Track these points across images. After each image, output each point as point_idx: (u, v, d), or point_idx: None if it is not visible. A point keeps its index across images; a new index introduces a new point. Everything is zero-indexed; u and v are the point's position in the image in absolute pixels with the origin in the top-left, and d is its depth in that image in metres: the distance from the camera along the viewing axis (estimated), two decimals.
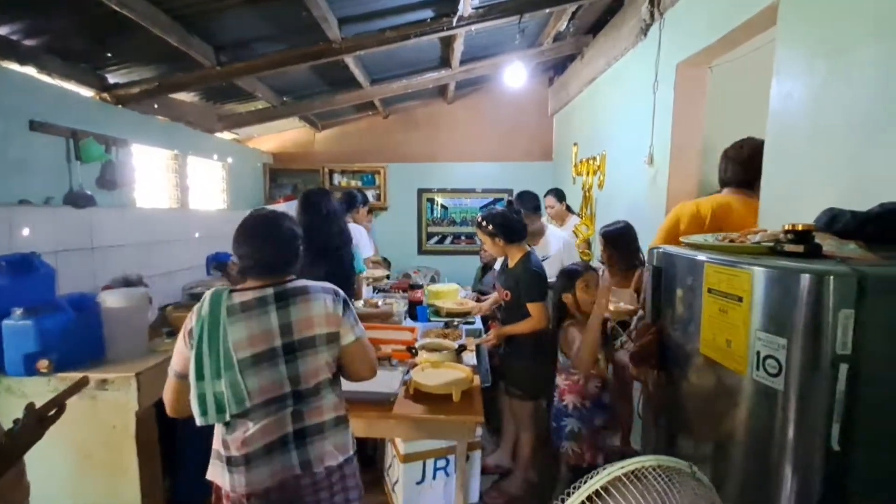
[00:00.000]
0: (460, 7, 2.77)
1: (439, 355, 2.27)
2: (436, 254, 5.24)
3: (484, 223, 2.32)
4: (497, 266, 2.98)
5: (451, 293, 3.34)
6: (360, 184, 5.06)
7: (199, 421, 1.20)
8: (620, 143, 3.15)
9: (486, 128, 5.13)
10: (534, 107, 5.10)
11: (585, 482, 0.65)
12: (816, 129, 1.38)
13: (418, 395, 2.01)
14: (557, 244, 2.91)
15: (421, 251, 5.26)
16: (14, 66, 2.23)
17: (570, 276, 1.99)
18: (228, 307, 1.24)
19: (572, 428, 1.93)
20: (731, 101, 2.51)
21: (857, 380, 0.71)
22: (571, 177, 4.25)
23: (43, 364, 1.77)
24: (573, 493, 0.64)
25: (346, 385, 1.65)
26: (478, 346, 2.40)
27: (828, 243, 0.94)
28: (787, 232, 0.97)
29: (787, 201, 1.49)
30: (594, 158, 3.61)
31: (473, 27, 2.97)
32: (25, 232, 2.07)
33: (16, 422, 1.02)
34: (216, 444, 1.29)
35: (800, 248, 0.93)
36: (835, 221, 1.03)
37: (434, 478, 2.37)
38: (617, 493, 0.67)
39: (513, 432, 2.58)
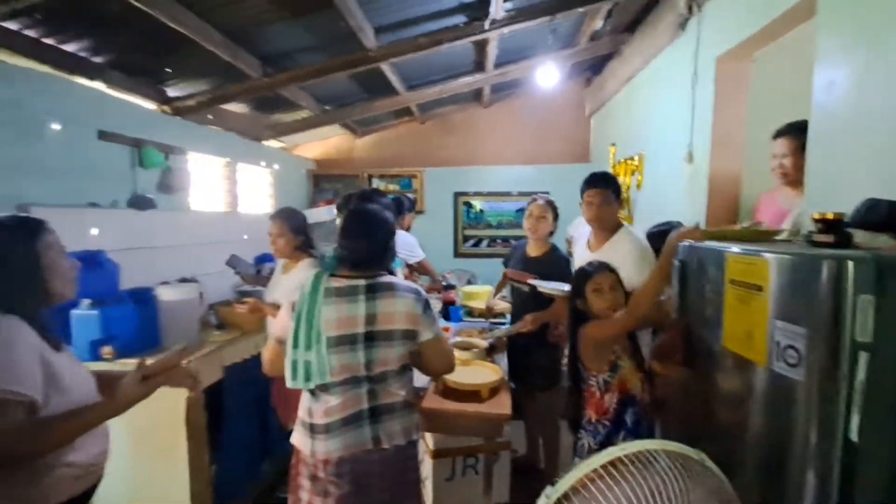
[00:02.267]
0: (492, 10, 2.81)
1: (469, 353, 2.30)
2: (472, 257, 5.27)
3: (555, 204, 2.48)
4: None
5: (485, 295, 3.36)
6: (397, 188, 5.18)
7: (289, 384, 1.36)
8: (659, 142, 3.07)
9: (522, 130, 5.12)
10: (570, 108, 5.04)
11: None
12: (860, 116, 1.31)
13: (447, 391, 2.04)
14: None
15: (457, 254, 5.30)
16: (84, 81, 2.48)
17: (579, 278, 1.73)
18: (325, 289, 1.38)
19: (585, 443, 1.70)
20: (773, 93, 2.39)
21: (878, 369, 0.67)
22: None
23: (106, 350, 1.96)
24: (567, 473, 0.65)
25: None
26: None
27: (860, 235, 0.90)
28: (816, 221, 0.93)
29: (832, 191, 1.42)
30: (632, 159, 3.52)
31: (506, 30, 3.00)
32: (94, 231, 2.30)
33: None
34: (301, 412, 1.44)
35: (830, 238, 0.89)
36: (871, 212, 0.98)
37: (463, 475, 2.39)
38: (622, 480, 0.67)
39: (539, 430, 2.56)
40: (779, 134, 1.80)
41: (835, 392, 0.72)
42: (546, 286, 2.22)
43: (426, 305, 1.47)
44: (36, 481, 1.03)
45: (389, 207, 2.53)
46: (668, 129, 2.86)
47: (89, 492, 1.18)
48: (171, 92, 3.08)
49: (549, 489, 0.65)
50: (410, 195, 5.07)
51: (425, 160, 5.21)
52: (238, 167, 3.83)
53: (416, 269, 3.52)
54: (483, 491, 2.12)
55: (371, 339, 1.38)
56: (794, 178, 1.73)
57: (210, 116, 3.46)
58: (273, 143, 4.64)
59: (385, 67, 3.29)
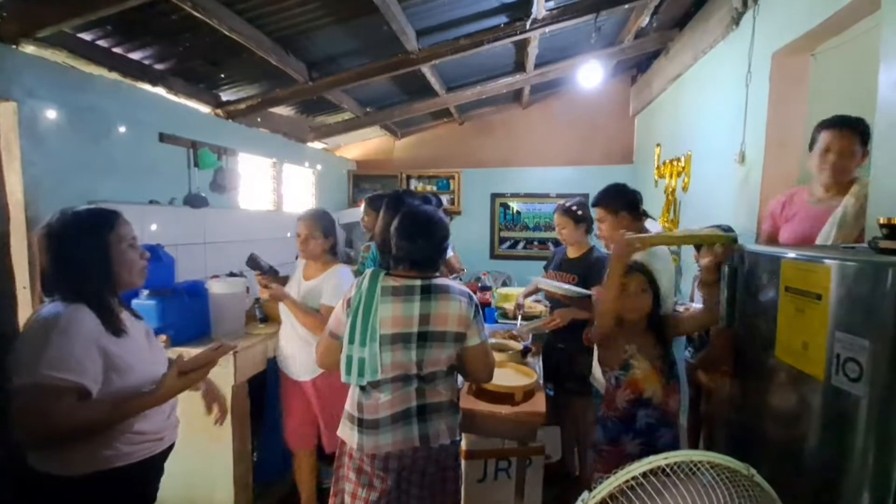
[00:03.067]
0: (534, 10, 2.79)
1: (503, 355, 2.28)
2: (508, 258, 5.23)
3: (574, 208, 2.41)
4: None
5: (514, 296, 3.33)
6: (435, 188, 5.22)
7: (343, 378, 1.40)
8: (708, 142, 2.94)
9: (563, 131, 5.04)
10: (614, 108, 4.91)
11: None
12: None
13: (480, 392, 2.04)
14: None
15: (493, 255, 5.27)
16: (148, 87, 2.65)
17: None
18: (382, 287, 1.40)
19: (595, 437, 1.75)
20: (835, 91, 2.24)
21: None
22: (653, 180, 4.02)
23: (162, 339, 2.08)
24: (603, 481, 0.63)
25: None
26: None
27: None
28: (883, 226, 0.87)
29: None
30: (678, 159, 3.39)
31: (547, 29, 2.97)
32: (153, 227, 2.45)
33: None
34: (349, 406, 1.48)
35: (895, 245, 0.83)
36: None
37: (496, 478, 2.38)
38: (664, 490, 0.65)
39: (575, 436, 2.51)
40: (833, 125, 1.62)
41: None
42: (559, 287, 2.22)
43: (477, 310, 1.48)
44: (112, 444, 1.15)
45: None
46: (719, 128, 2.73)
47: (160, 455, 1.31)
48: (225, 96, 3.24)
49: (585, 494, 0.64)
50: (446, 196, 5.11)
51: (463, 161, 5.22)
52: (284, 167, 3.98)
53: (448, 268, 3.53)
54: (515, 495, 2.10)
55: (424, 339, 1.39)
56: (846, 177, 1.61)
57: (259, 119, 3.61)
58: (316, 145, 4.79)
59: (425, 69, 3.33)
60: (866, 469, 0.72)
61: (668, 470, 0.63)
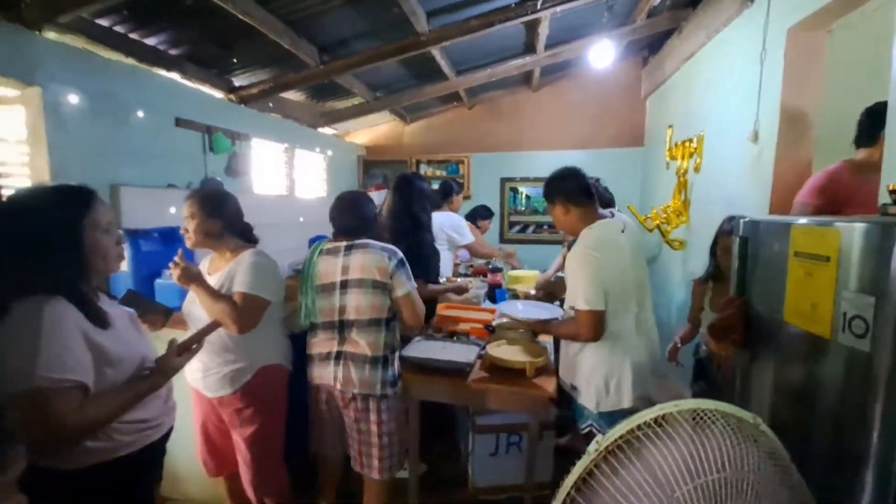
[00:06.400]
0: None
1: (515, 334, 2.32)
2: (518, 242, 5.25)
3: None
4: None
5: (531, 279, 3.36)
6: (444, 173, 5.23)
7: (301, 322, 1.82)
8: (721, 122, 2.92)
9: (573, 114, 5.00)
10: (624, 90, 4.86)
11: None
12: None
13: (493, 368, 2.08)
14: None
15: (503, 240, 5.30)
16: (162, 72, 2.69)
17: (715, 237, 2.03)
18: (320, 251, 1.82)
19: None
20: (852, 67, 2.21)
21: None
22: (665, 162, 4.00)
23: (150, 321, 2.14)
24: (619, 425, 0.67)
25: (425, 353, 1.87)
26: None
27: None
28: (892, 192, 0.89)
29: None
30: (690, 140, 3.37)
31: (559, 8, 2.94)
32: (172, 210, 2.51)
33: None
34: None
35: None
36: None
37: (507, 452, 2.44)
38: (676, 436, 0.68)
39: None
40: None
41: None
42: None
43: (401, 263, 1.80)
44: (111, 436, 1.14)
45: (423, 187, 2.61)
46: (732, 107, 2.71)
47: (160, 441, 1.30)
48: (237, 81, 3.28)
49: (599, 437, 0.68)
50: (458, 180, 5.13)
51: (472, 146, 5.22)
52: (295, 153, 4.02)
53: (472, 252, 3.57)
54: (525, 468, 2.16)
55: (345, 286, 1.75)
56: None
57: (271, 104, 3.65)
58: (327, 130, 4.81)
59: (435, 52, 3.33)
60: (873, 422, 0.75)
61: (679, 417, 0.67)
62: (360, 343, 1.77)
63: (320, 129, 4.58)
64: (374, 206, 1.94)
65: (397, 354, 1.89)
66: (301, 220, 3.82)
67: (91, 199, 1.16)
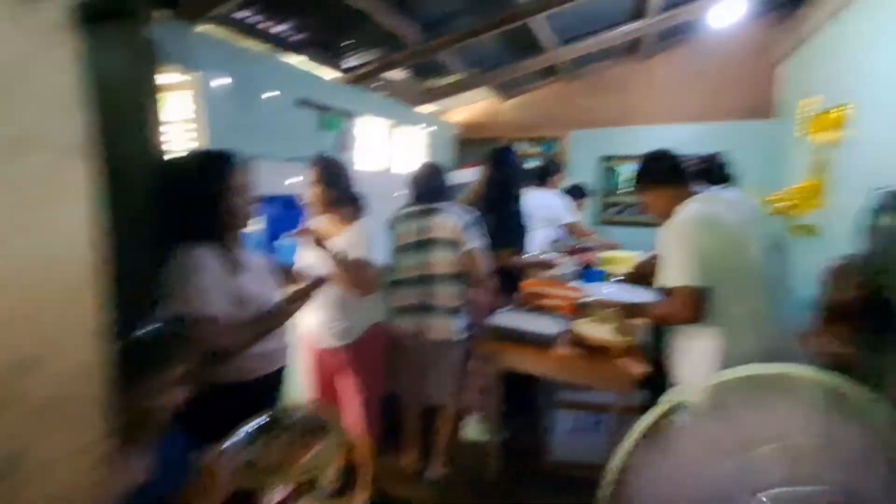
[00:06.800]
0: None
1: (605, 312, 2.27)
2: (616, 224, 5.00)
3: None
4: None
5: (627, 260, 3.21)
6: (542, 150, 5.13)
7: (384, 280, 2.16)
8: (876, 90, 2.47)
9: (687, 84, 4.56)
10: (749, 55, 4.29)
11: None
12: None
13: (579, 345, 2.08)
14: None
15: (600, 221, 5.08)
16: (287, 57, 3.01)
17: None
18: (396, 217, 2.26)
19: None
20: None
21: None
22: (799, 136, 3.50)
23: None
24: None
25: (511, 323, 1.97)
26: None
27: None
28: None
29: None
30: (834, 111, 2.90)
31: None
32: (290, 181, 2.84)
33: None
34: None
35: None
36: None
37: (587, 430, 2.43)
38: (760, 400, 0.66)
39: None
40: None
41: None
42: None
43: (470, 222, 2.13)
44: (238, 362, 1.37)
45: (517, 162, 2.73)
46: (891, 72, 2.28)
47: (277, 373, 1.54)
48: (348, 63, 3.53)
49: (677, 389, 0.68)
50: (554, 159, 4.99)
51: (571, 122, 5.03)
52: (396, 130, 4.24)
53: (571, 232, 3.50)
54: (607, 449, 2.14)
55: (425, 245, 2.10)
56: None
57: (375, 84, 3.87)
58: (425, 108, 4.98)
59: (535, 23, 3.25)
60: None
61: (764, 381, 0.64)
62: (438, 295, 2.10)
63: (420, 108, 4.75)
64: (449, 177, 2.28)
65: (467, 306, 2.23)
66: (395, 195, 4.04)
67: (232, 163, 1.39)
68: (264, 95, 2.75)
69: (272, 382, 1.53)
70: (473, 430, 2.69)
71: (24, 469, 0.56)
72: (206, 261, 1.30)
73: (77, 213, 0.62)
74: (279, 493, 2.16)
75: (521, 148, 5.24)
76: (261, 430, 1.06)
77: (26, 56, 0.55)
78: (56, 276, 0.60)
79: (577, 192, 4.07)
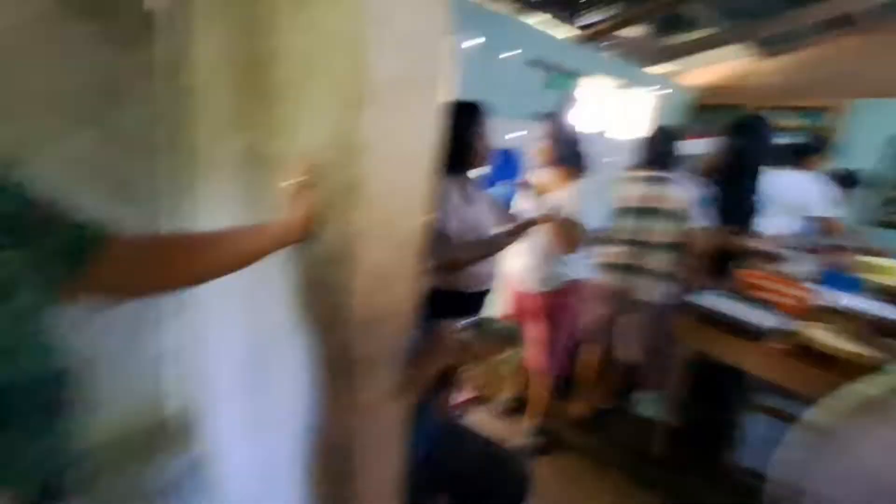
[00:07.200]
0: None
1: (850, 323, 1.92)
2: (893, 227, 3.85)
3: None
4: None
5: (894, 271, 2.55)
6: (805, 122, 4.20)
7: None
8: None
9: None
10: None
11: None
12: None
13: (800, 350, 1.84)
14: None
15: (872, 221, 3.96)
16: (530, 17, 3.17)
17: None
18: (621, 179, 2.33)
19: None
20: None
21: None
22: None
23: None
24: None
25: (718, 306, 1.89)
26: None
27: None
28: None
29: None
30: None
31: None
32: (514, 135, 3.09)
33: None
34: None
35: None
36: None
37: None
38: None
39: None
40: None
41: None
42: None
43: (698, 199, 2.11)
44: (464, 275, 1.69)
45: (768, 136, 2.47)
46: None
47: (486, 292, 1.83)
48: (583, 20, 3.51)
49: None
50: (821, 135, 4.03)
51: (853, 89, 3.92)
52: (622, 92, 4.04)
53: (825, 230, 2.92)
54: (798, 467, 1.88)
55: (644, 213, 2.16)
56: None
57: (607, 42, 3.74)
58: (658, 69, 4.57)
59: None
60: None
61: None
62: (650, 260, 2.17)
63: (652, 68, 4.39)
64: (681, 145, 2.26)
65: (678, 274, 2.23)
66: (616, 158, 3.92)
67: (481, 112, 1.70)
68: (501, 56, 3.00)
69: (482, 298, 1.85)
70: (648, 405, 2.66)
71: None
72: (450, 190, 1.64)
73: (427, 138, 0.93)
74: (464, 394, 2.61)
75: (777, 118, 4.37)
76: (473, 326, 1.34)
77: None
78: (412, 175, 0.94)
79: (846, 180, 3.27)
